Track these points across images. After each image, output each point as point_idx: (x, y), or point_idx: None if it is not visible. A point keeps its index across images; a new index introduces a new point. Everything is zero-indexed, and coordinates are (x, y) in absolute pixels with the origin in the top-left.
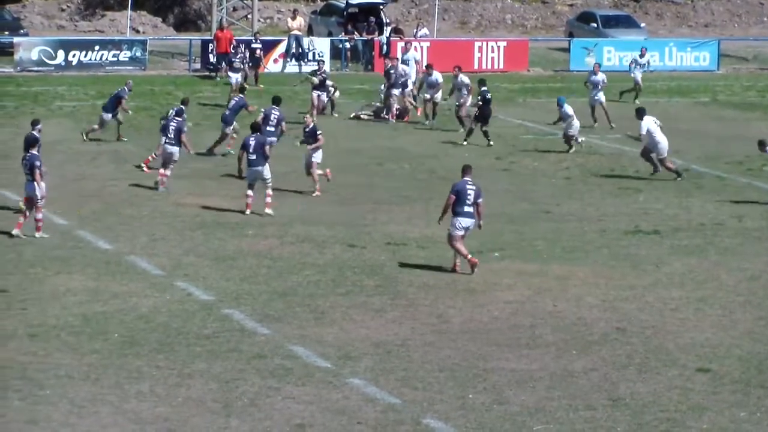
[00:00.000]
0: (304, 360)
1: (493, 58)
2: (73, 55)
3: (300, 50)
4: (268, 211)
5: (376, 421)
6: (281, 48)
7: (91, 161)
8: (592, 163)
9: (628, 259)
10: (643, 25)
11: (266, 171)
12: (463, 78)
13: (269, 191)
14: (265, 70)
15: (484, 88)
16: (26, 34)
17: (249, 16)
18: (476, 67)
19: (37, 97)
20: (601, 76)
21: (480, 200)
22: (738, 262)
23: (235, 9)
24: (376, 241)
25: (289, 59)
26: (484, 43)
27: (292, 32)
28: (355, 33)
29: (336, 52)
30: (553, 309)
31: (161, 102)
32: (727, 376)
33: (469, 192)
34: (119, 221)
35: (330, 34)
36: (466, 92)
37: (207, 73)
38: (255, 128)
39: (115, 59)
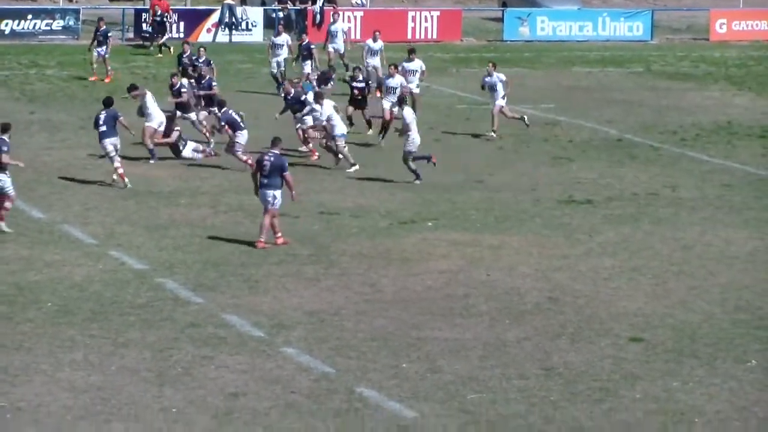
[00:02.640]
0: (238, 329)
1: (426, 28)
2: (6, 24)
3: (233, 19)
4: (122, 180)
5: (310, 390)
6: (214, 17)
7: (24, 130)
8: (525, 133)
9: (561, 228)
10: None
11: (116, 142)
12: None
13: (117, 163)
14: (198, 39)
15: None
16: None
17: None
18: (410, 36)
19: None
20: (496, 77)
21: (285, 173)
22: (671, 232)
23: None
24: (309, 210)
25: (222, 28)
26: (418, 13)
27: (225, 1)
28: (289, 2)
29: (269, 21)
30: (487, 278)
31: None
32: (660, 346)
33: (264, 163)
34: (52, 190)
35: (263, 3)
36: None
37: (141, 43)
38: (107, 103)
39: (48, 28)
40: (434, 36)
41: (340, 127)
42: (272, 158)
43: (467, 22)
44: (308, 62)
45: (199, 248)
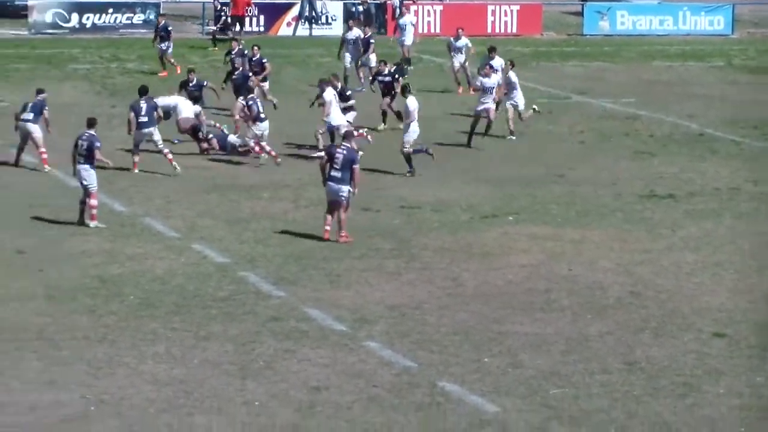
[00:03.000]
0: (320, 323)
1: (506, 22)
2: (87, 18)
3: (313, 13)
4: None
5: (392, 384)
6: (294, 11)
7: (106, 124)
8: (607, 127)
9: (642, 222)
10: None
11: (156, 133)
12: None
13: (166, 150)
14: (278, 33)
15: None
16: None
17: None
18: (489, 30)
19: (51, 59)
20: (512, 76)
21: (355, 166)
22: (754, 227)
23: None
24: (390, 204)
25: (302, 22)
26: (497, 7)
27: None
28: None
29: (349, 15)
30: (568, 273)
31: (175, 65)
32: (744, 341)
33: (337, 156)
34: (133, 183)
35: None
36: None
37: (219, 36)
38: (143, 92)
39: (129, 22)
40: (514, 30)
41: (335, 118)
42: (345, 151)
43: (547, 16)
44: (365, 56)
45: (281, 242)
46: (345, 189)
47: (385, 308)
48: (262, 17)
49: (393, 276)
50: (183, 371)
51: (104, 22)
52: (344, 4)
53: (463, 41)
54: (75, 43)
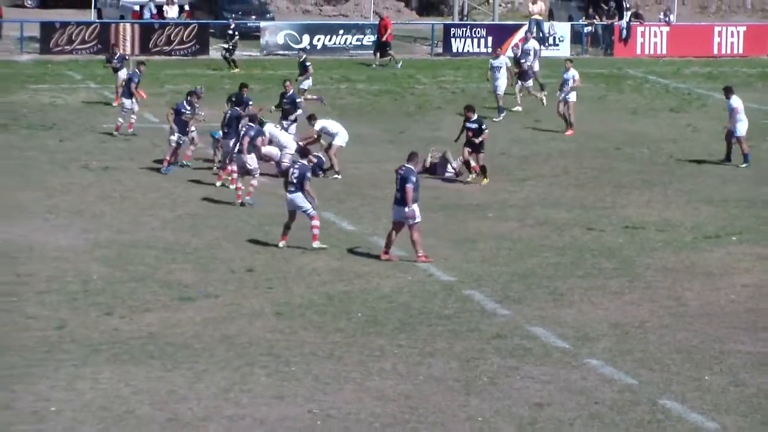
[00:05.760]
0: (543, 340)
1: (732, 43)
2: (318, 39)
3: (540, 34)
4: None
5: (613, 401)
6: (521, 32)
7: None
8: None
9: None
10: None
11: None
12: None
13: (189, 149)
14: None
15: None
16: (272, 19)
17: (491, 1)
18: (715, 52)
19: (283, 80)
20: (736, 103)
21: (407, 185)
22: None
23: None
24: (615, 224)
25: None
26: (724, 28)
27: (533, 17)
28: (596, 17)
29: (576, 37)
30: None
31: (403, 86)
32: None
33: (397, 178)
34: (362, 203)
35: (570, 19)
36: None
37: (449, 57)
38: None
39: (359, 43)
40: (740, 51)
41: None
42: (402, 171)
43: None
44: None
45: (506, 261)
46: (404, 210)
47: (608, 326)
48: (489, 38)
49: (616, 295)
50: (408, 387)
51: (334, 43)
52: (571, 25)
53: (502, 59)
54: None
